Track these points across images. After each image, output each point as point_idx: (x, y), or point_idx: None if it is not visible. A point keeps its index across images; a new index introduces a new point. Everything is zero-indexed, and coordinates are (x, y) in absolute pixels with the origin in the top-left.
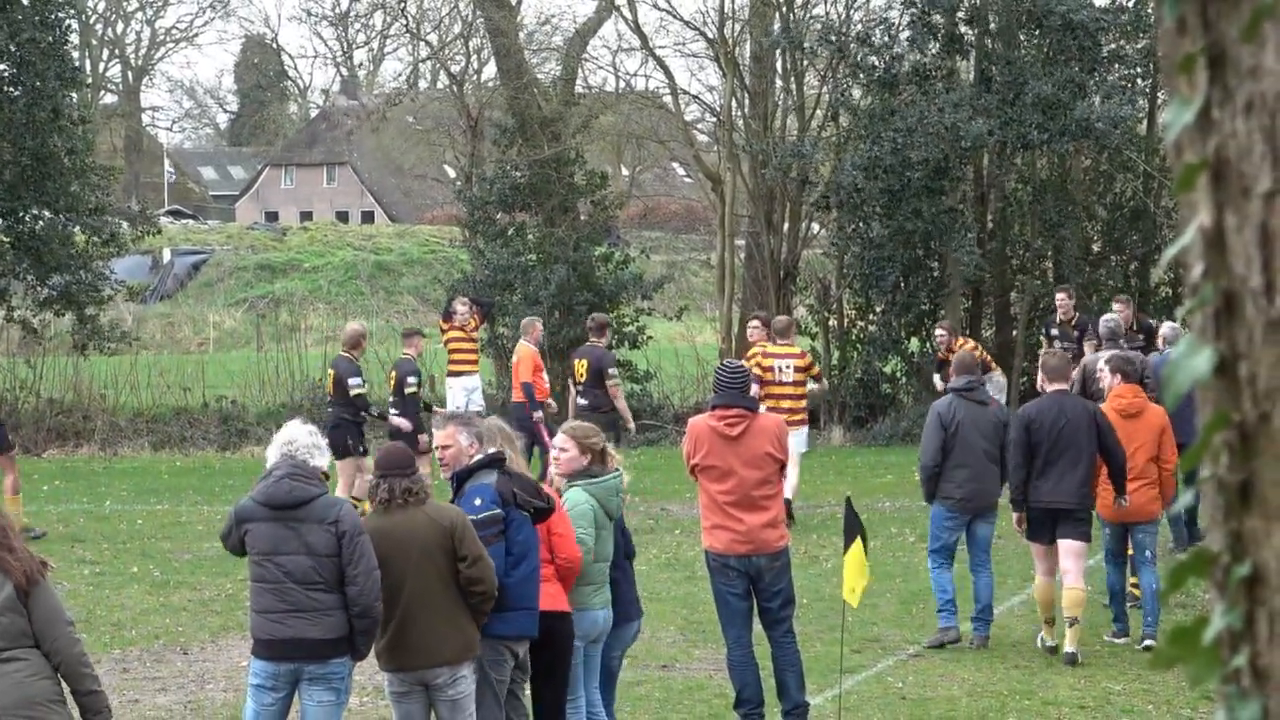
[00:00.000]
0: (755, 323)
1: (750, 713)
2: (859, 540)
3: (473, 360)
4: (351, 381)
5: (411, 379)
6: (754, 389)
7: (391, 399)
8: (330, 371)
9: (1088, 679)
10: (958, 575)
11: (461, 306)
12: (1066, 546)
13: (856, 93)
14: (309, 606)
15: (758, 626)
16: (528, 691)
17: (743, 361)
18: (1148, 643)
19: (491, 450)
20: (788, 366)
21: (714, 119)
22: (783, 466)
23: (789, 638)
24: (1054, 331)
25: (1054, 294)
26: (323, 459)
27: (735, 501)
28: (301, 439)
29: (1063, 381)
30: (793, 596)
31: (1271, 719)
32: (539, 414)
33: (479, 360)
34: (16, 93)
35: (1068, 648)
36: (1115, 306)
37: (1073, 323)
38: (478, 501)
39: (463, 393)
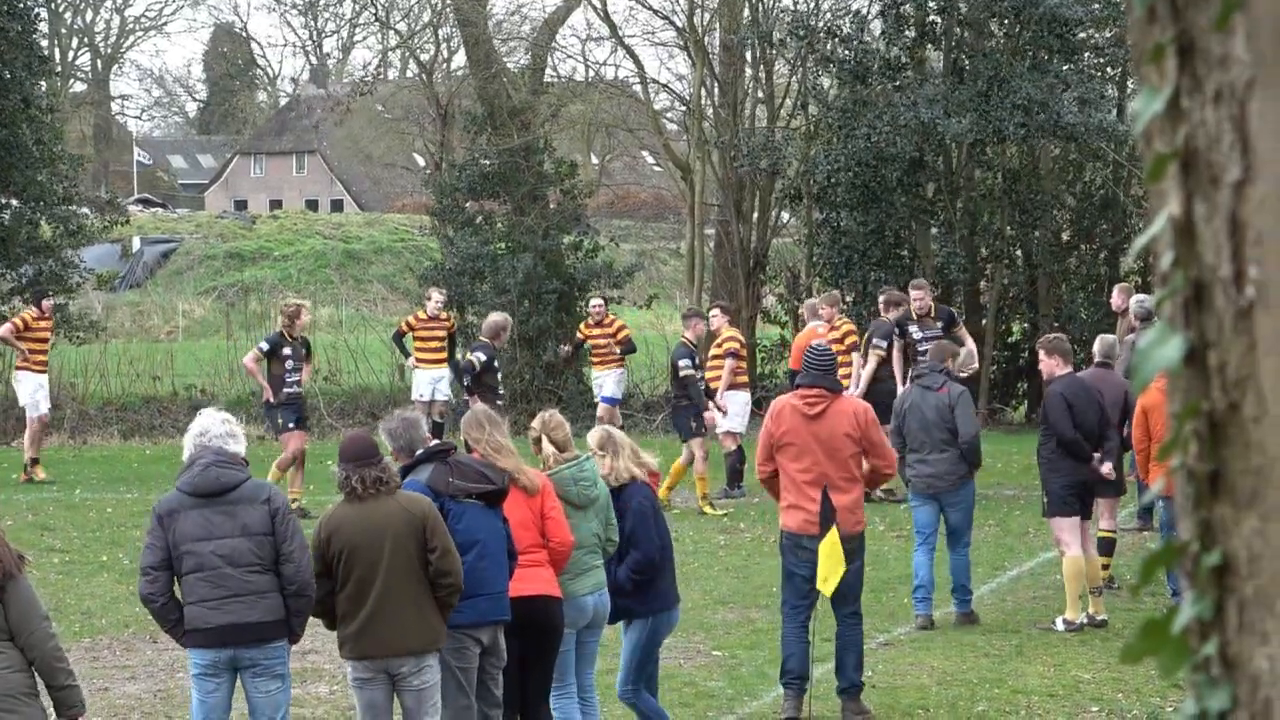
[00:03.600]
0: (715, 310)
1: (792, 682)
2: (834, 529)
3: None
4: (682, 363)
5: (684, 362)
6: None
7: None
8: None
9: (1057, 668)
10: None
11: (438, 295)
12: (1084, 525)
13: (826, 82)
14: (246, 590)
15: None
16: (500, 680)
17: (829, 345)
18: None
19: (434, 444)
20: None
21: (683, 108)
22: (865, 450)
23: (854, 618)
24: (911, 328)
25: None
26: (239, 445)
27: (812, 481)
28: (215, 429)
29: (1065, 361)
30: (861, 577)
31: (1240, 707)
32: None
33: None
34: None
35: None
36: (914, 294)
37: (932, 315)
38: None
39: (429, 384)
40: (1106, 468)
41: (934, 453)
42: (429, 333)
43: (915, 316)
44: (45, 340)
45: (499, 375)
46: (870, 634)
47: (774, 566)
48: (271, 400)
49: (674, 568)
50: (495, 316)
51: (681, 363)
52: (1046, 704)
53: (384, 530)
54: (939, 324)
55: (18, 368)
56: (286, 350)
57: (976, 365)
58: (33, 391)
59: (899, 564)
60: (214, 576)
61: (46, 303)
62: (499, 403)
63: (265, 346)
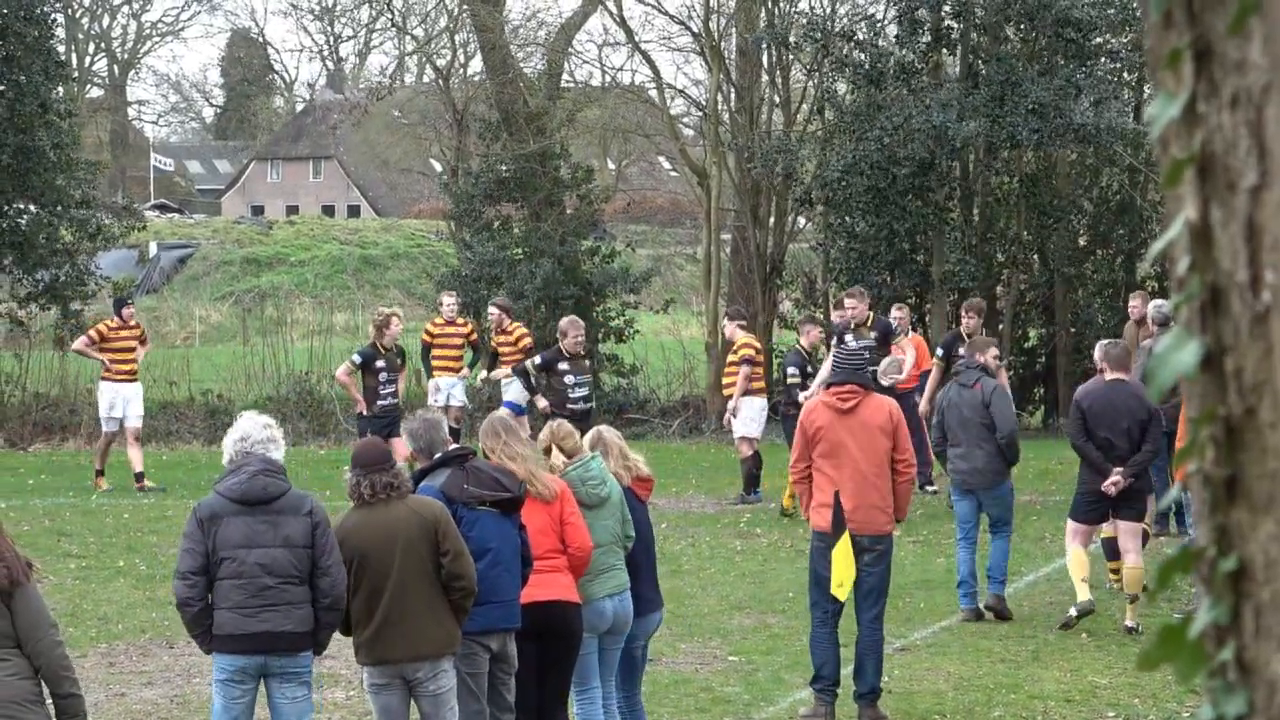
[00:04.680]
0: (725, 321)
1: (825, 689)
2: (847, 534)
3: (457, 359)
4: (790, 370)
5: (791, 369)
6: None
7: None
8: None
9: (1074, 673)
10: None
11: (450, 299)
12: (1124, 527)
13: (842, 88)
14: (282, 600)
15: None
16: (512, 685)
17: (860, 347)
18: None
19: (453, 448)
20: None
21: (699, 113)
22: (896, 447)
23: (877, 623)
24: (848, 337)
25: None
26: (280, 451)
27: (846, 478)
28: (256, 434)
29: (1123, 370)
30: (887, 580)
31: (1257, 712)
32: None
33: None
34: (1, 88)
35: (1128, 621)
36: (848, 303)
37: (868, 325)
38: None
39: (443, 389)
40: (1106, 482)
41: (972, 449)
42: (446, 340)
43: (852, 326)
44: (129, 350)
45: (568, 379)
46: (886, 639)
47: (790, 571)
48: (364, 412)
49: (655, 572)
50: (562, 321)
51: (790, 370)
52: (1063, 709)
53: (396, 535)
54: (873, 335)
55: (101, 378)
56: (380, 362)
57: (901, 377)
58: (108, 406)
59: (915, 569)
60: (252, 585)
61: (126, 310)
62: (570, 407)
63: (358, 359)
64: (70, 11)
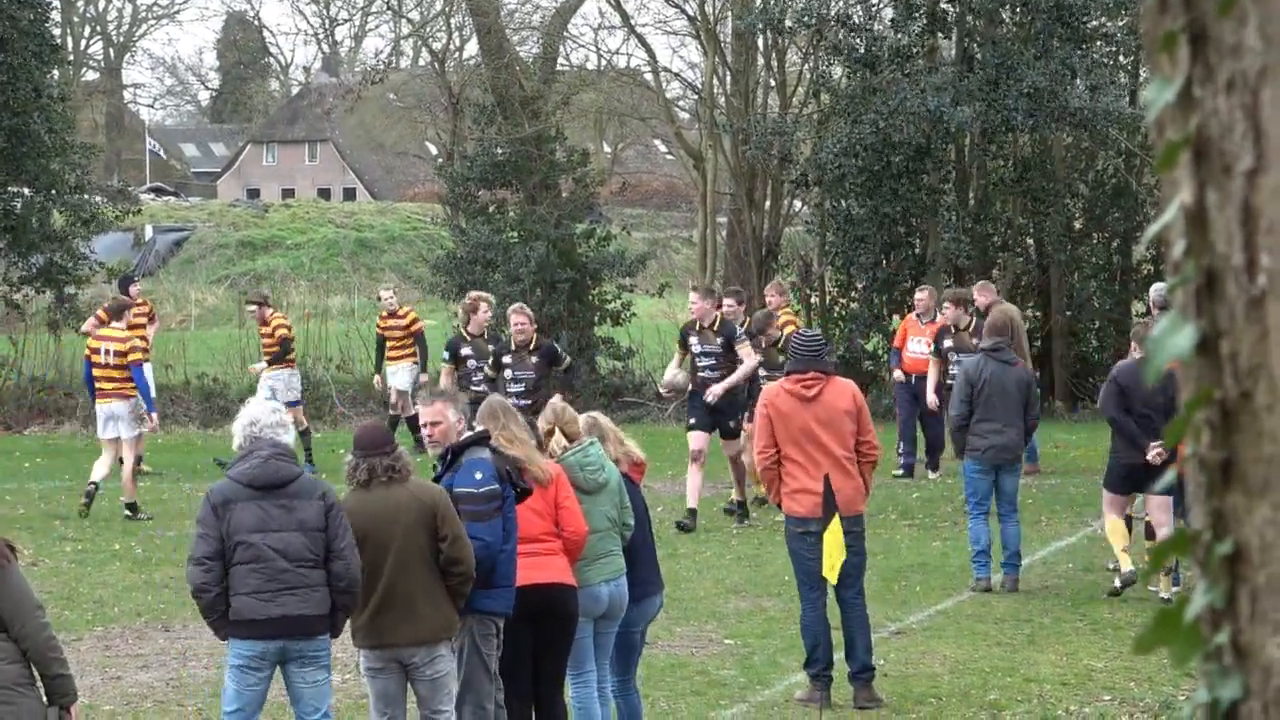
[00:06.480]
0: (730, 299)
1: (820, 674)
2: (837, 517)
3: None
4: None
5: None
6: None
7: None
8: None
9: (1070, 656)
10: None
11: (385, 292)
12: (1155, 501)
13: (837, 71)
14: (299, 584)
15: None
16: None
17: (819, 332)
18: None
19: (480, 427)
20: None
21: (695, 96)
22: (859, 429)
23: (859, 599)
24: (691, 338)
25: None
26: (289, 436)
27: (819, 463)
28: (265, 418)
29: (1141, 346)
30: (864, 556)
31: (1252, 696)
32: None
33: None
34: None
35: (1162, 593)
36: (691, 298)
37: (714, 327)
38: (478, 475)
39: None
40: (1152, 453)
41: (1009, 425)
42: (389, 332)
43: (698, 328)
44: (140, 328)
45: (507, 373)
46: (882, 622)
47: (786, 555)
48: None
49: (654, 556)
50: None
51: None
52: (1058, 693)
53: (395, 518)
54: (719, 340)
55: None
56: (465, 350)
57: (722, 389)
58: None
59: (910, 552)
60: (268, 569)
61: (134, 288)
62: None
63: (446, 356)
64: None
